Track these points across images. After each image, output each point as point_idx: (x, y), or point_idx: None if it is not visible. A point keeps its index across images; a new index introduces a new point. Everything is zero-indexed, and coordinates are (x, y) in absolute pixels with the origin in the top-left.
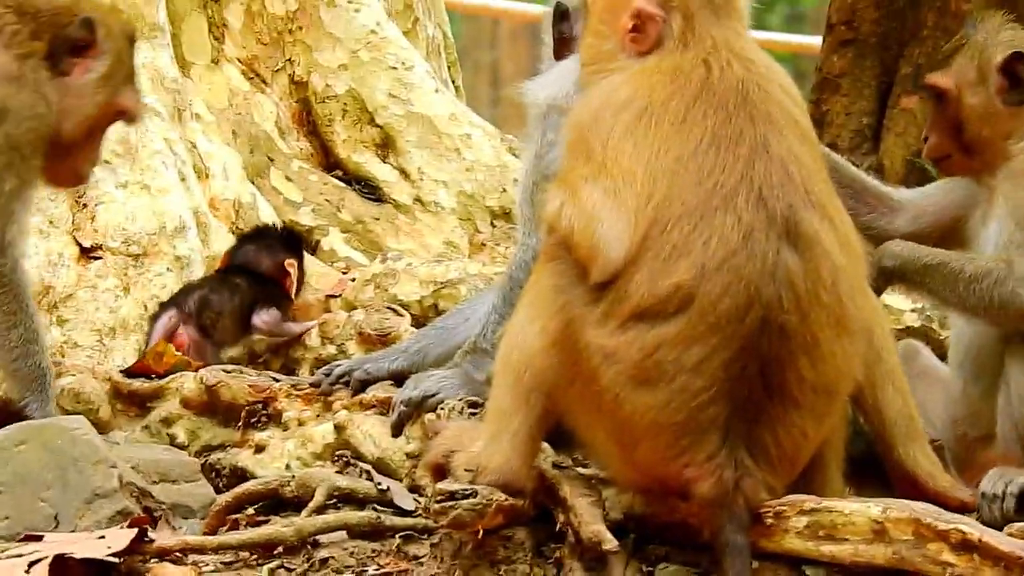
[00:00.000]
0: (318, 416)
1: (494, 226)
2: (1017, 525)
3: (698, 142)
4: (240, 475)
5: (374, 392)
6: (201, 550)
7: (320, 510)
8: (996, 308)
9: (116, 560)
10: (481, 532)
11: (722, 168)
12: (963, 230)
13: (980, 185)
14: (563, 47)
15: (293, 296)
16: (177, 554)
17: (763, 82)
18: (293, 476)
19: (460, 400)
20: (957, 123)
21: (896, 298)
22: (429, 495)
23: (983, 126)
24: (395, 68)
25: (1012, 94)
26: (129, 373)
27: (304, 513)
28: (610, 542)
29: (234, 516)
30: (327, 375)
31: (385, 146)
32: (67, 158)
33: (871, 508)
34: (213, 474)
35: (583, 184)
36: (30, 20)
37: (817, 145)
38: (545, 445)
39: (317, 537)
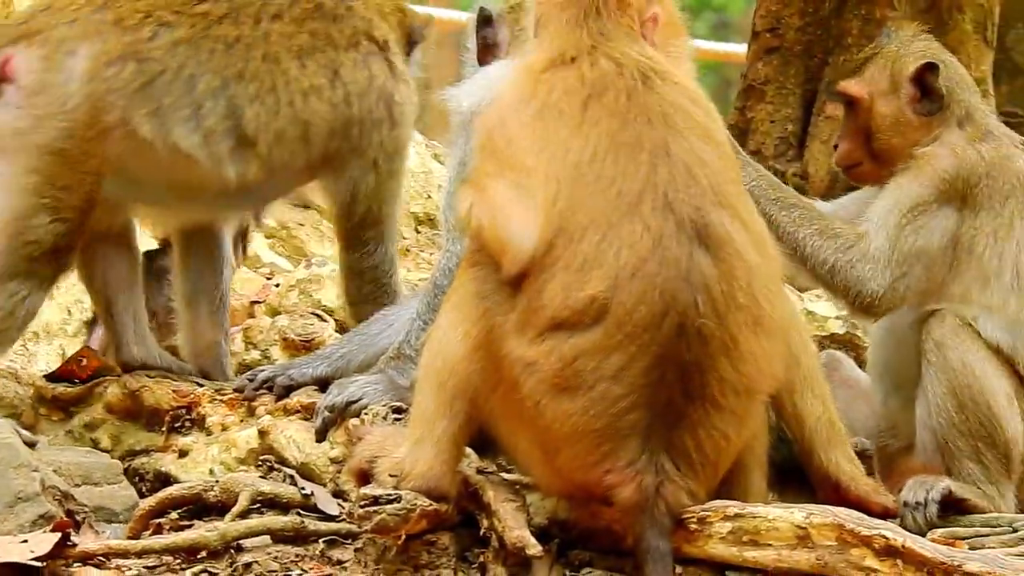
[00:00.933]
0: (242, 421)
1: (418, 232)
2: (940, 531)
3: (595, 148)
4: (164, 480)
5: (298, 397)
6: (124, 554)
7: (244, 515)
8: (827, 268)
9: (39, 564)
10: (405, 537)
11: (624, 175)
12: None
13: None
14: (487, 53)
15: None
16: (100, 558)
17: (658, 84)
18: (217, 481)
19: (384, 406)
20: (868, 131)
21: (821, 305)
22: (353, 500)
23: (893, 135)
24: None
25: (923, 104)
26: (52, 378)
27: (228, 518)
28: (534, 547)
29: (158, 520)
30: (251, 380)
31: None
32: None
33: (794, 514)
34: (137, 479)
35: (489, 181)
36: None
37: (724, 145)
38: (469, 450)
39: (241, 542)
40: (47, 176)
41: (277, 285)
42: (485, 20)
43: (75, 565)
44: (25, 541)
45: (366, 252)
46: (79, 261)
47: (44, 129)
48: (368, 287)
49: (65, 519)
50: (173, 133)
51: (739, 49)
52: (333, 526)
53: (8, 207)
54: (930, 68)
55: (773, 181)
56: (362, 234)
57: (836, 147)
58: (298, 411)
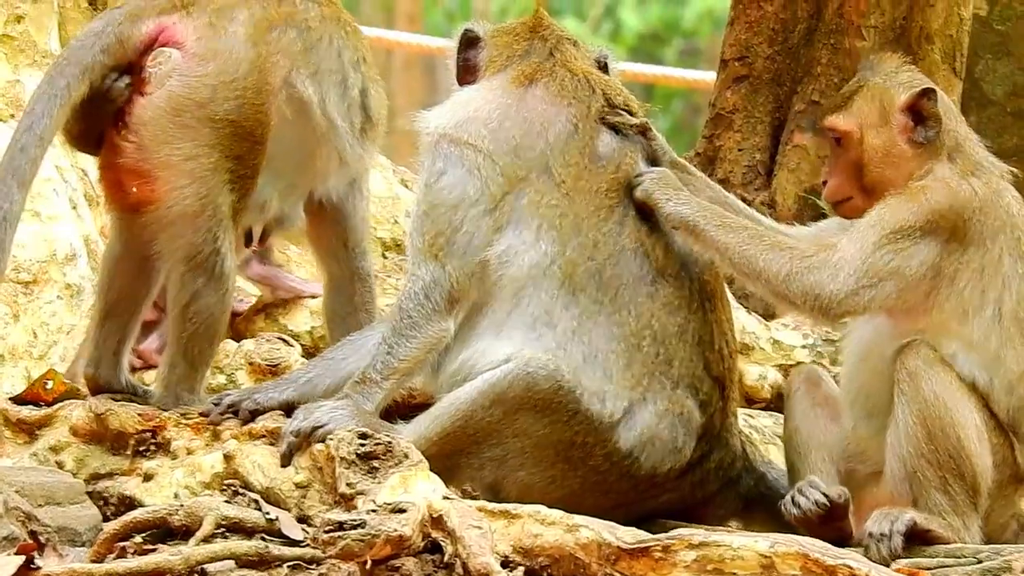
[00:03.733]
0: (207, 445)
1: (385, 257)
2: (904, 561)
3: None
4: (128, 503)
5: (263, 422)
6: None
7: (208, 539)
8: (782, 278)
9: None
10: (369, 563)
11: None
12: None
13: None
14: (467, 74)
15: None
16: None
17: None
18: (181, 505)
19: (349, 431)
20: (858, 165)
21: (788, 334)
22: (317, 525)
23: (885, 167)
24: None
25: (917, 132)
26: (18, 401)
27: (192, 542)
28: (498, 573)
29: (122, 544)
30: (216, 404)
31: None
32: None
33: (759, 543)
34: (101, 502)
35: None
36: None
37: None
38: (435, 476)
39: (205, 566)
40: (226, 149)
41: (244, 310)
42: (469, 41)
43: None
44: None
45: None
46: (108, 262)
47: (220, 98)
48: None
49: (29, 542)
50: (329, 98)
51: (708, 76)
52: (297, 551)
53: (198, 191)
54: (926, 95)
55: (716, 210)
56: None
57: (824, 183)
58: (263, 436)
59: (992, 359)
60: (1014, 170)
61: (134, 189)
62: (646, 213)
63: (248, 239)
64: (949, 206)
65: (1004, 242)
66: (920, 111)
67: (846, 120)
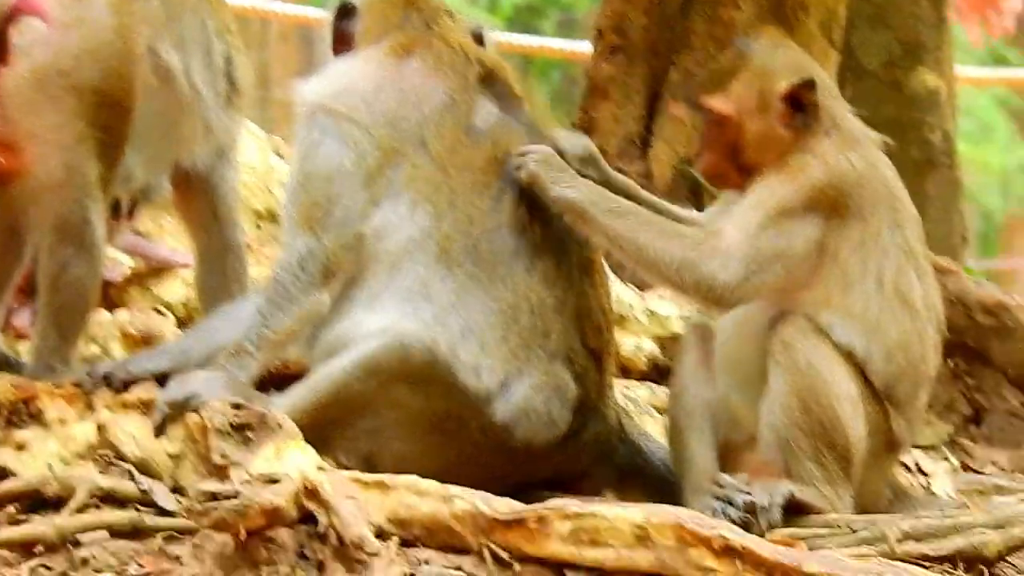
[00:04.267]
0: (80, 416)
1: (259, 227)
2: (780, 531)
3: None
4: (1, 474)
5: (137, 392)
6: None
7: (81, 510)
8: (675, 268)
9: None
10: (243, 533)
11: None
12: None
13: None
14: (342, 44)
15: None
16: None
17: None
18: (54, 475)
19: (223, 402)
20: (735, 147)
21: (663, 304)
22: (191, 496)
23: (763, 150)
24: None
25: (796, 118)
26: None
27: (65, 512)
28: (372, 545)
29: None
30: (90, 374)
31: None
32: None
33: (634, 514)
34: None
35: None
36: None
37: None
38: (309, 447)
39: (78, 536)
40: (92, 118)
41: (117, 280)
42: (345, 11)
43: None
44: None
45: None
46: None
47: (84, 67)
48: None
49: None
50: (193, 66)
51: (586, 47)
52: (171, 522)
53: (65, 160)
54: (807, 86)
55: (603, 193)
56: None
57: (698, 155)
58: (137, 406)
59: (872, 328)
60: (888, 139)
61: (1, 161)
62: (523, 188)
63: (117, 210)
64: (828, 182)
65: (883, 214)
66: (800, 100)
67: (724, 103)
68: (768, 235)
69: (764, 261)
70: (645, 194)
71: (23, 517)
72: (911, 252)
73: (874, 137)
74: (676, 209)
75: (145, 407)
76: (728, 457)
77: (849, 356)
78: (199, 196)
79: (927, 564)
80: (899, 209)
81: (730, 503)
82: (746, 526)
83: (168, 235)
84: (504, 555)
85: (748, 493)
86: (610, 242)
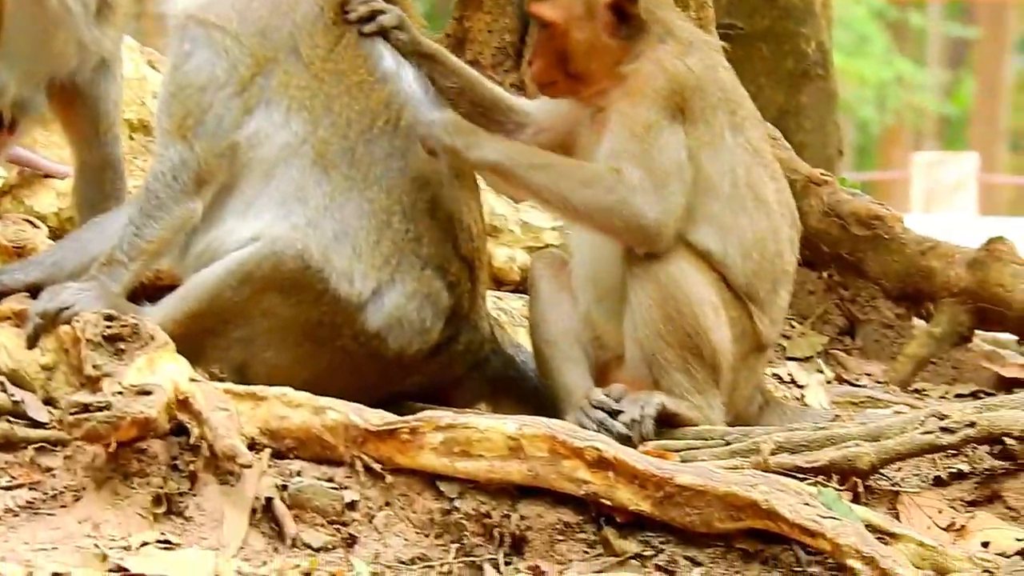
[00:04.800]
0: None
1: (132, 139)
2: (652, 443)
3: None
4: None
5: (9, 303)
6: None
7: None
8: (604, 214)
9: None
10: (115, 445)
11: None
12: (576, 145)
13: (589, 105)
14: None
15: None
16: None
17: None
18: None
19: (95, 313)
20: (564, 54)
21: (536, 215)
22: (63, 407)
23: (590, 59)
24: None
25: (621, 28)
26: None
27: None
28: (244, 456)
29: None
30: None
31: None
32: None
33: (506, 424)
34: None
35: None
36: None
37: None
38: (182, 358)
39: None
40: None
41: None
42: None
43: None
44: None
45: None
46: None
47: None
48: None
49: None
50: None
51: None
52: (43, 433)
53: None
54: None
55: (518, 148)
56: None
57: (530, 64)
58: (9, 317)
59: (728, 229)
60: (725, 45)
61: None
62: (395, 90)
63: None
64: (671, 87)
65: (723, 116)
66: (624, 9)
67: (552, 10)
68: (652, 155)
69: (665, 181)
70: (461, 66)
71: None
72: (757, 151)
73: (712, 42)
74: (503, 93)
75: (17, 318)
76: (598, 377)
77: (707, 259)
78: (79, 110)
79: (801, 476)
80: (737, 112)
81: (603, 417)
82: (622, 439)
83: (41, 147)
84: (376, 466)
85: (618, 407)
86: (534, 195)
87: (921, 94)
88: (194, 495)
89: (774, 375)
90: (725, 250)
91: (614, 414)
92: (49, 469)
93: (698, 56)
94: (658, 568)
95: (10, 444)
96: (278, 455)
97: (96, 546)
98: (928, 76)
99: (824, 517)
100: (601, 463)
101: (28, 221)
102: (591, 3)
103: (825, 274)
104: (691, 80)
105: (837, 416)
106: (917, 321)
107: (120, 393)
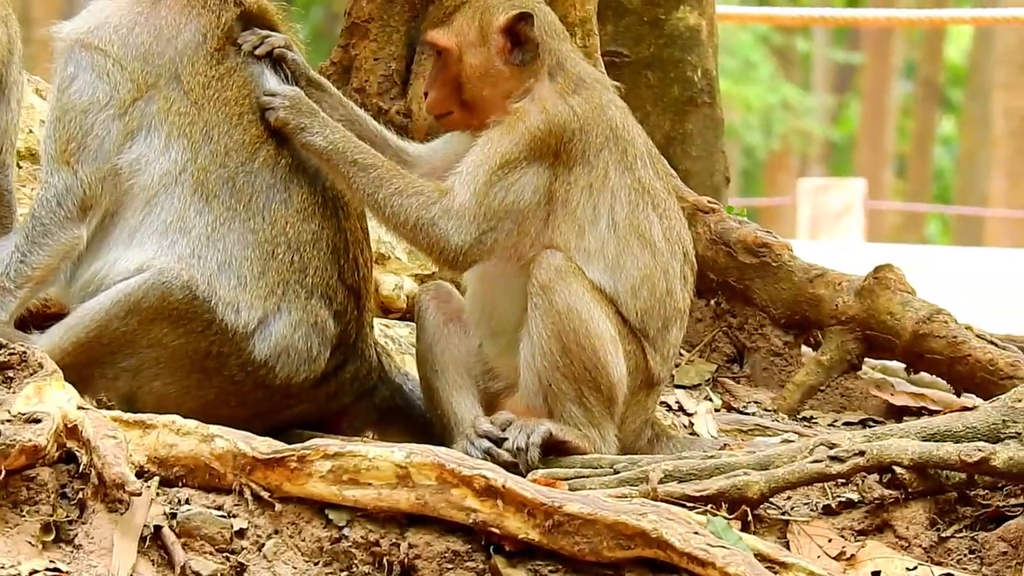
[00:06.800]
0: None
1: (20, 167)
2: (541, 472)
3: None
4: None
5: None
6: None
7: None
8: (409, 227)
9: None
10: (3, 472)
11: None
12: None
13: (476, 138)
14: None
15: None
16: None
17: None
18: None
19: None
20: (458, 81)
21: None
22: None
23: (484, 86)
24: None
25: (515, 54)
26: None
27: None
28: (133, 484)
29: None
30: None
31: None
32: None
33: (395, 453)
34: None
35: None
36: None
37: None
38: (69, 386)
39: None
40: None
41: None
42: None
43: None
44: None
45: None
46: None
47: None
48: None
49: None
50: None
51: None
52: None
53: None
54: (523, 19)
55: (350, 143)
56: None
57: (426, 95)
58: None
59: (613, 267)
60: (618, 84)
61: None
62: None
63: None
64: (549, 130)
65: (608, 156)
66: (517, 34)
67: (446, 36)
68: (495, 191)
69: (495, 219)
70: (348, 101)
71: None
72: (646, 190)
73: (603, 80)
74: (390, 134)
75: None
76: (489, 407)
77: (602, 294)
78: None
79: (690, 504)
80: (628, 150)
81: (489, 446)
82: (508, 467)
83: None
84: (265, 494)
85: (504, 435)
86: (352, 193)
87: (807, 119)
88: (83, 523)
89: (663, 403)
90: (616, 287)
91: (499, 442)
92: None
93: (586, 95)
94: None
95: None
96: (167, 483)
97: None
98: (814, 101)
99: (714, 546)
100: (489, 491)
101: None
102: (485, 29)
103: (713, 302)
104: (572, 123)
105: (726, 445)
106: (805, 349)
107: (9, 421)
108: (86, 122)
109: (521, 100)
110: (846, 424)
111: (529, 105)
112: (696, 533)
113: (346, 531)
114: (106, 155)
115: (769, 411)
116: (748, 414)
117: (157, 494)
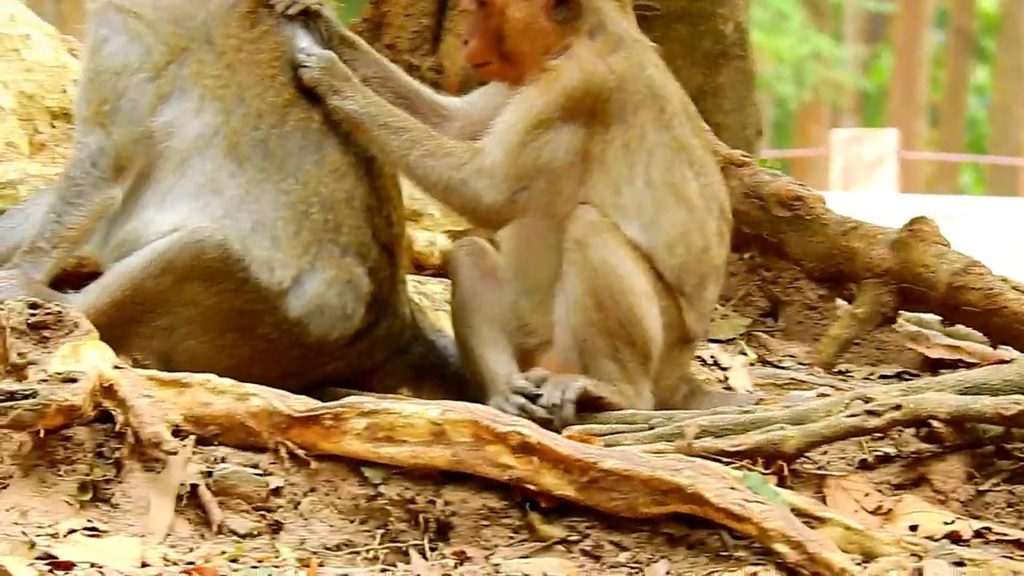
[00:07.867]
0: None
1: (54, 127)
2: (576, 428)
3: None
4: None
5: None
6: None
7: None
8: (442, 188)
9: None
10: (42, 432)
11: None
12: None
13: (514, 92)
14: None
15: None
16: None
17: None
18: None
19: (19, 301)
20: (499, 33)
21: None
22: None
23: (524, 40)
24: None
25: (558, 11)
26: None
27: None
28: (169, 443)
29: None
30: None
31: None
32: None
33: (429, 410)
34: None
35: None
36: None
37: None
38: (104, 345)
39: None
40: None
41: None
42: None
43: None
44: None
45: None
46: None
47: None
48: None
49: None
50: None
51: None
52: None
53: None
54: None
55: (381, 107)
56: None
57: (466, 43)
58: None
59: (649, 224)
60: (655, 45)
61: None
62: None
63: None
64: (585, 89)
65: (646, 115)
66: None
67: None
68: (529, 150)
69: (528, 178)
70: (383, 58)
71: None
72: (683, 148)
73: (643, 40)
74: (427, 89)
75: None
76: (525, 363)
77: (637, 250)
78: None
79: (726, 460)
80: (665, 108)
81: (524, 403)
82: (542, 424)
83: None
84: (300, 452)
85: (539, 391)
86: (384, 156)
87: (839, 69)
88: (120, 482)
89: (697, 357)
90: (651, 244)
91: (534, 398)
92: None
93: (625, 54)
94: (584, 553)
95: None
96: (203, 442)
97: (23, 533)
98: (845, 52)
99: (750, 501)
100: (525, 448)
101: None
102: None
103: (747, 256)
104: (610, 82)
105: (761, 400)
106: (840, 302)
107: (45, 381)
108: (119, 84)
109: (559, 57)
110: (882, 377)
111: (566, 63)
112: (732, 488)
113: (382, 488)
114: (139, 118)
115: (804, 365)
116: (783, 368)
117: (193, 453)
